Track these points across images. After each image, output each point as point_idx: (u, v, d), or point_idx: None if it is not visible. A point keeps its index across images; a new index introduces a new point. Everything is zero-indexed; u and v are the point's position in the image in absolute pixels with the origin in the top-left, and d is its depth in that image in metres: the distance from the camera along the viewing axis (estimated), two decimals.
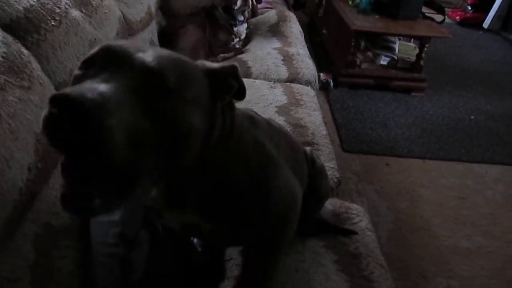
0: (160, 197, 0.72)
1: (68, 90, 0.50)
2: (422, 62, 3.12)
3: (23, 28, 1.04)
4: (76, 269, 0.97)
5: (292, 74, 2.07)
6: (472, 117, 2.97)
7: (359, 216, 1.29)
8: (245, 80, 2.04)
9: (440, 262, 1.79)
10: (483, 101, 3.21)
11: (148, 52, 0.61)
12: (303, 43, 2.49)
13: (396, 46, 3.24)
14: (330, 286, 0.97)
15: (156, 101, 0.56)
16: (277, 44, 2.36)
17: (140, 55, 0.60)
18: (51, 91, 1.05)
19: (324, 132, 1.63)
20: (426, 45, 3.04)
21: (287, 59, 2.16)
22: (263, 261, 0.90)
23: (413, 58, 3.18)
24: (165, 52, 0.64)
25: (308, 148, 1.19)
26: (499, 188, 2.29)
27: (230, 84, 0.70)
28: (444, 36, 3.03)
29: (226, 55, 2.28)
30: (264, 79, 2.02)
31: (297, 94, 1.85)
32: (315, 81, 2.12)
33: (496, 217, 2.08)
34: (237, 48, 2.36)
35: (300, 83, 2.04)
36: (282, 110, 1.70)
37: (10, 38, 0.97)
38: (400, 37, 3.30)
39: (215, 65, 0.70)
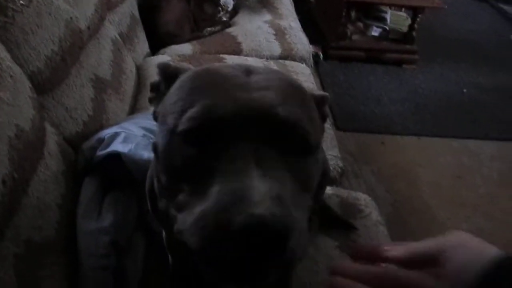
0: None
1: (255, 217, 0.40)
2: (414, 33, 3.02)
3: None
4: None
5: (285, 50, 1.94)
6: (465, 90, 2.91)
7: (368, 207, 1.21)
8: (236, 57, 1.90)
9: None
10: (474, 73, 3.13)
11: (272, 96, 0.49)
12: (294, 15, 2.34)
13: (388, 16, 3.12)
14: None
15: (301, 164, 0.49)
16: (267, 16, 2.21)
17: (266, 106, 0.48)
18: (23, 83, 0.90)
19: None
20: (419, 15, 2.93)
21: (279, 33, 2.02)
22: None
23: (405, 29, 3.06)
24: (282, 84, 0.52)
25: None
26: (494, 165, 2.25)
27: (325, 112, 0.63)
28: (439, 7, 2.92)
29: (213, 29, 2.12)
30: (256, 56, 1.88)
31: (293, 73, 1.73)
32: (310, 58, 2.00)
33: (494, 196, 2.04)
34: (224, 21, 2.20)
35: (294, 60, 1.91)
36: None
37: None
38: (392, 7, 3.17)
39: (318, 92, 0.63)
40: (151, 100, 0.63)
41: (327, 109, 0.63)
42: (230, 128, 0.46)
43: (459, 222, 1.86)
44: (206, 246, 0.42)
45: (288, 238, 0.41)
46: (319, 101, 0.60)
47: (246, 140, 0.46)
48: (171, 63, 0.61)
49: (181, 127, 0.48)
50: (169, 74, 0.58)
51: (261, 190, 0.41)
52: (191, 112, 0.47)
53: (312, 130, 0.50)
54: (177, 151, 0.49)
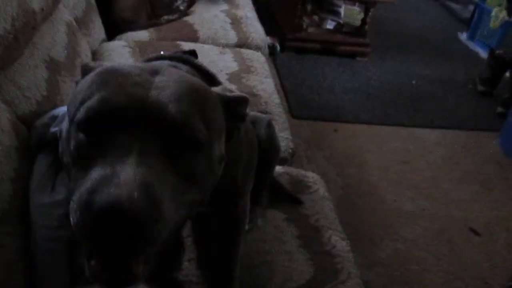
0: None
1: (112, 197, 0.43)
2: (366, 27, 3.14)
3: None
4: (17, 258, 0.88)
5: (241, 38, 1.99)
6: (414, 82, 3.06)
7: (316, 184, 1.29)
8: (192, 44, 1.92)
9: (387, 226, 1.85)
10: (422, 66, 3.30)
11: (167, 95, 0.53)
12: (251, 5, 2.41)
13: (342, 10, 3.24)
14: (293, 267, 0.95)
15: (187, 160, 0.53)
16: (224, 6, 2.26)
17: (157, 104, 0.52)
18: None
19: (277, 101, 1.60)
20: (371, 10, 3.05)
21: (236, 22, 2.07)
22: (229, 240, 0.86)
23: (358, 23, 3.19)
24: (181, 85, 0.56)
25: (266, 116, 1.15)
26: (439, 151, 2.40)
27: (241, 112, 0.66)
28: (389, 1, 3.05)
29: (170, 17, 2.14)
30: (212, 43, 1.92)
31: (248, 60, 1.79)
32: (265, 47, 2.06)
33: (437, 180, 2.18)
34: (181, 9, 2.22)
35: (250, 48, 1.97)
36: (233, 77, 1.63)
37: None
38: (345, 1, 3.29)
39: (229, 94, 0.64)
40: None
41: (244, 110, 0.66)
42: (119, 121, 0.51)
43: (404, 203, 1.98)
44: (77, 226, 0.47)
45: (144, 223, 0.44)
46: (233, 103, 0.63)
47: (133, 132, 0.50)
48: (90, 63, 0.66)
49: (78, 116, 0.52)
50: (86, 73, 0.63)
51: (129, 174, 0.45)
52: (87, 103, 0.52)
53: (204, 129, 0.53)
54: (72, 138, 0.53)
